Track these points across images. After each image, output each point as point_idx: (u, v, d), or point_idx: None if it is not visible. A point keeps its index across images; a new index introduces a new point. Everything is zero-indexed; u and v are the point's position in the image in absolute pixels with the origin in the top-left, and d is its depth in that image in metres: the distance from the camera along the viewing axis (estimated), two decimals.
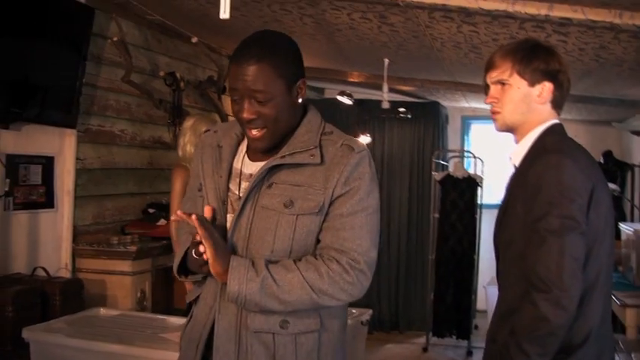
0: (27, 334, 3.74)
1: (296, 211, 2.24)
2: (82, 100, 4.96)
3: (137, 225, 5.66)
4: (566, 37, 4.24)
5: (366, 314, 5.49)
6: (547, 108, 2.50)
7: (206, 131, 2.56)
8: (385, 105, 6.38)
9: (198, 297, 2.39)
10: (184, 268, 2.36)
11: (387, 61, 6.16)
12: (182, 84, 6.07)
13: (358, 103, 8.19)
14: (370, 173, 2.29)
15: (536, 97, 2.48)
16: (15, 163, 4.52)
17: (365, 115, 8.56)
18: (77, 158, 5.09)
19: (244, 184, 2.31)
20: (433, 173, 8.09)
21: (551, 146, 2.40)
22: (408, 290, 8.77)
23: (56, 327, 3.88)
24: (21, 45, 4.29)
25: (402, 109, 8.24)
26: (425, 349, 7.89)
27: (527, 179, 2.34)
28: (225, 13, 2.70)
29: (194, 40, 5.87)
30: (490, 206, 7.05)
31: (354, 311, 6.68)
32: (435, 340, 7.93)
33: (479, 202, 7.88)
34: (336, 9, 4.46)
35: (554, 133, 2.48)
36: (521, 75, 2.46)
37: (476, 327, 8.23)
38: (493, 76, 2.52)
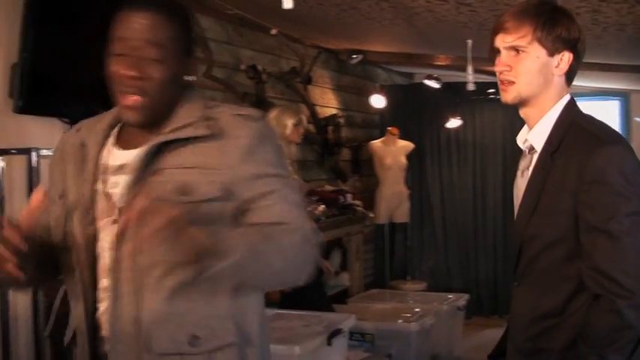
0: None
1: (195, 197, 1.87)
2: None
3: None
4: None
5: (463, 299, 5.40)
6: (562, 80, 2.27)
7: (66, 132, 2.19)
8: (470, 87, 6.30)
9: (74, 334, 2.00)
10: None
11: (470, 42, 6.04)
12: (264, 76, 6.11)
13: (447, 86, 8.12)
14: (274, 141, 2.02)
15: (554, 69, 2.23)
16: None
17: (455, 98, 8.46)
18: None
19: (113, 179, 1.96)
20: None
21: (603, 135, 2.18)
22: (506, 274, 8.62)
23: None
24: (102, 47, 4.37)
25: (490, 90, 8.10)
26: None
27: (577, 171, 2.12)
28: (288, 3, 2.67)
29: (274, 32, 5.91)
30: None
31: (450, 296, 6.61)
32: None
33: None
34: None
35: (580, 113, 2.27)
36: (542, 43, 2.20)
37: None
38: (508, 40, 2.22)
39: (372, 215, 8.08)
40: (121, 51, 1.92)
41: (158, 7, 1.91)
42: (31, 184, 3.88)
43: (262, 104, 6.12)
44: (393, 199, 8.34)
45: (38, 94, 3.99)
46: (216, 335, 1.87)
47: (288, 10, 5.36)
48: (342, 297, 6.93)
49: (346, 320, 3.82)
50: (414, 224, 8.80)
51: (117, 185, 1.93)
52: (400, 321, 5.90)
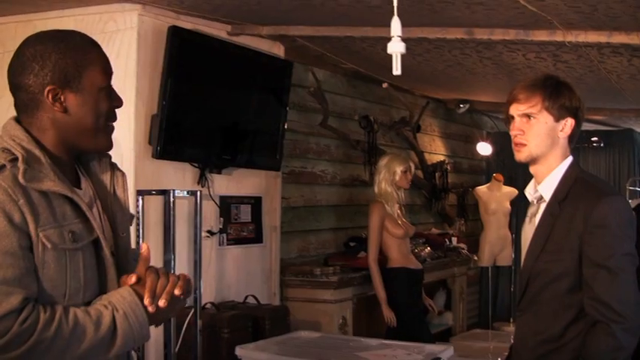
0: (240, 351, 4.24)
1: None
2: (285, 144, 5.45)
3: (339, 257, 6.12)
4: None
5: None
6: (565, 142, 2.66)
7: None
8: None
9: None
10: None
11: None
12: (375, 126, 6.50)
13: None
14: None
15: (559, 132, 2.63)
16: (227, 203, 5.08)
17: None
18: (282, 197, 5.61)
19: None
20: (629, 201, 8.03)
21: (604, 187, 2.66)
22: None
23: (265, 346, 4.36)
24: (231, 97, 4.88)
25: (594, 138, 8.28)
26: None
27: (583, 216, 2.50)
28: (397, 70, 2.99)
29: (385, 85, 6.32)
30: None
31: None
32: None
33: None
34: (512, 51, 4.77)
35: (582, 170, 2.70)
36: (549, 111, 2.60)
37: None
38: (521, 109, 2.64)
39: (476, 258, 8.25)
40: (109, 88, 2.00)
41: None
42: (167, 220, 4.37)
43: (374, 151, 6.52)
44: (497, 243, 8.45)
45: (173, 142, 4.46)
46: None
47: None
48: (446, 335, 7.13)
49: (445, 351, 4.15)
50: (517, 268, 8.84)
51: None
52: (499, 359, 6.08)
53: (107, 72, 1.99)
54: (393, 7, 3.36)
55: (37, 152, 1.88)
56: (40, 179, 1.84)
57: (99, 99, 1.95)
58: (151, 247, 2.02)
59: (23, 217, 1.78)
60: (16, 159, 1.83)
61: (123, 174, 2.16)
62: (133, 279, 1.91)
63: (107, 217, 2.03)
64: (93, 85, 1.94)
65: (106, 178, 2.10)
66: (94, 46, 1.99)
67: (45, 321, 1.75)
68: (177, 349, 4.25)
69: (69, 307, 1.81)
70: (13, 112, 1.97)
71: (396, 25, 3.12)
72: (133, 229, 2.62)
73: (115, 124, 2.06)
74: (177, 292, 1.92)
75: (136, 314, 1.87)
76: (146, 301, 1.88)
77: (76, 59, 1.92)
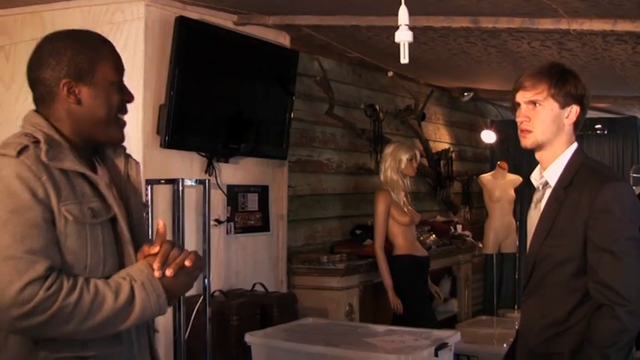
0: (249, 338, 4.29)
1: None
2: (292, 133, 5.48)
3: (345, 245, 6.16)
4: None
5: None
6: (571, 129, 2.71)
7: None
8: None
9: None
10: None
11: None
12: (381, 114, 6.54)
13: None
14: None
15: (565, 119, 2.67)
16: (234, 192, 5.12)
17: None
18: (289, 186, 5.65)
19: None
20: (633, 187, 8.06)
21: (609, 173, 2.72)
22: None
23: (273, 333, 4.41)
24: (238, 87, 4.92)
25: (597, 126, 8.31)
26: None
27: (588, 202, 2.56)
28: (404, 58, 3.03)
29: (390, 74, 6.35)
30: None
31: None
32: None
33: None
34: (516, 39, 4.79)
35: (587, 157, 2.75)
36: (555, 98, 2.65)
37: None
38: (527, 96, 2.69)
39: (480, 245, 8.31)
40: (120, 78, 2.14)
41: None
42: (176, 209, 4.41)
43: (379, 140, 6.55)
44: (502, 231, 8.52)
45: (181, 131, 4.50)
46: None
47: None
48: (451, 322, 7.19)
49: (452, 336, 4.19)
50: (521, 255, 8.92)
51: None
52: (505, 345, 6.12)
53: (119, 68, 2.13)
54: None
55: (57, 137, 2.03)
56: (61, 159, 1.98)
57: (110, 92, 2.09)
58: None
59: (46, 193, 1.91)
60: (38, 141, 1.97)
61: (137, 162, 2.30)
62: (154, 249, 2.04)
63: (122, 202, 2.14)
64: (105, 79, 2.08)
65: (120, 164, 2.23)
66: (106, 43, 2.14)
67: (68, 289, 1.87)
68: (186, 336, 4.29)
69: (90, 278, 1.94)
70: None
71: (403, 14, 3.16)
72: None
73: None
74: (187, 263, 2.04)
75: (153, 285, 1.99)
76: (155, 266, 2.00)
77: (90, 55, 2.07)
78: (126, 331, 2.03)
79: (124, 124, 2.18)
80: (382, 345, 4.13)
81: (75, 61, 2.05)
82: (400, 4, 3.05)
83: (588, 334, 2.56)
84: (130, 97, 2.17)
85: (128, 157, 2.26)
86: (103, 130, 2.11)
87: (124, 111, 2.17)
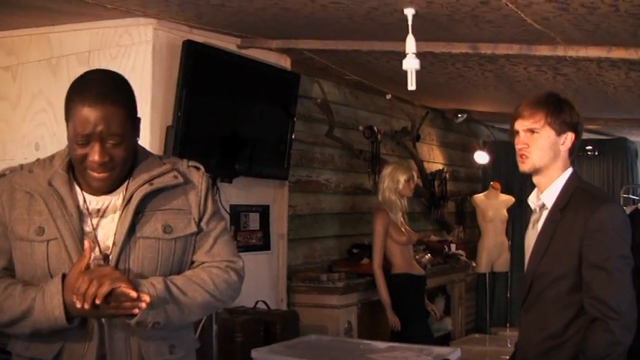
0: (255, 354, 4.37)
1: (175, 234, 2.27)
2: (292, 154, 5.56)
3: (343, 263, 6.25)
4: None
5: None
6: (566, 155, 2.87)
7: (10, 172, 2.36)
8: None
9: (59, 353, 2.22)
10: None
11: None
12: (379, 136, 6.64)
13: None
14: (211, 190, 2.41)
15: (561, 145, 2.84)
16: (237, 211, 5.19)
17: None
18: (289, 206, 5.73)
19: (95, 220, 2.24)
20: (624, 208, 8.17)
21: (602, 195, 2.94)
22: None
23: (279, 349, 4.50)
24: (241, 109, 4.99)
25: (588, 147, 8.45)
26: None
27: (583, 222, 2.71)
28: (412, 85, 3.15)
29: (388, 97, 6.46)
30: None
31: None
32: None
33: None
34: (514, 64, 4.92)
35: (581, 180, 2.91)
36: (551, 126, 2.81)
37: None
38: (525, 124, 2.86)
39: (474, 264, 8.38)
40: (84, 141, 2.13)
41: (112, 99, 2.14)
42: None
43: (377, 160, 6.64)
44: (494, 250, 8.59)
45: (187, 152, 4.42)
46: (185, 344, 2.36)
47: (399, 76, 5.92)
48: (445, 340, 7.24)
49: (453, 352, 4.31)
50: (513, 274, 9.00)
51: (99, 227, 2.25)
52: None
53: (84, 126, 2.12)
54: (405, 24, 3.53)
55: (62, 162, 2.30)
56: (27, 183, 2.26)
57: (73, 145, 2.18)
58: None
59: (3, 210, 2.27)
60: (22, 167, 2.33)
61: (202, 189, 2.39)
62: (82, 264, 2.12)
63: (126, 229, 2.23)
64: (70, 130, 2.18)
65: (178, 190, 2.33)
66: (84, 99, 2.12)
67: None
68: None
69: (17, 281, 2.24)
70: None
71: (410, 43, 3.30)
72: None
73: None
74: (97, 301, 2.06)
75: (51, 296, 2.12)
76: (74, 298, 2.08)
77: (68, 103, 2.20)
78: (97, 329, 2.19)
79: (95, 179, 2.20)
80: None
81: (65, 102, 2.20)
82: (407, 33, 3.19)
83: (583, 347, 2.69)
84: (92, 161, 2.15)
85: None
86: (80, 172, 2.24)
87: (92, 169, 2.18)
